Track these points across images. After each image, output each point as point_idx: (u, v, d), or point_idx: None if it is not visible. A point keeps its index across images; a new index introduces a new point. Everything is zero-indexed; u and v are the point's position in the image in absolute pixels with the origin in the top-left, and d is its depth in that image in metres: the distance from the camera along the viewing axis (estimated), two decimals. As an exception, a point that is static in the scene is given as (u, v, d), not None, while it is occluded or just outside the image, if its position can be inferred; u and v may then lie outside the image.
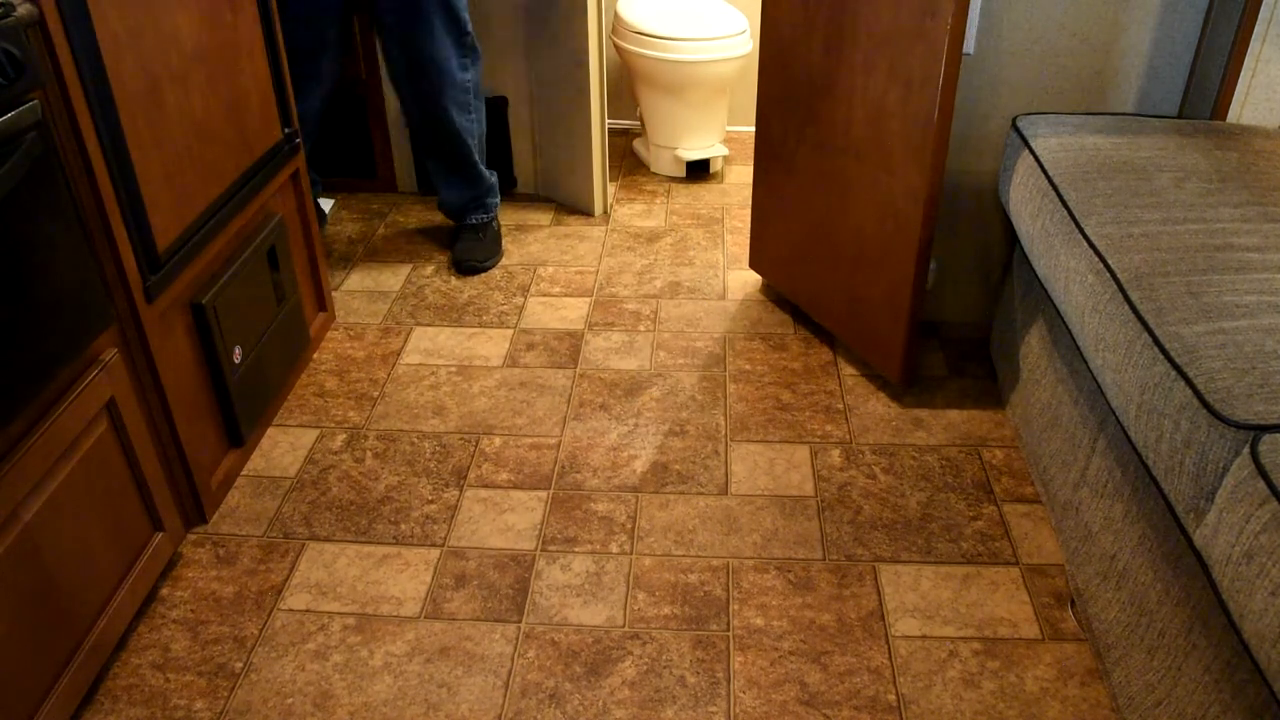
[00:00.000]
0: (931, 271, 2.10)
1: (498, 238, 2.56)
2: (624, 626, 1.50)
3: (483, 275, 2.46)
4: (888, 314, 1.91)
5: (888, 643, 1.47)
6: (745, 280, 2.42)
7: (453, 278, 2.43)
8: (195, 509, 1.66)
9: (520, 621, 1.51)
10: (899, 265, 1.84)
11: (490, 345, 2.17)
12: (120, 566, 1.43)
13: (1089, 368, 1.41)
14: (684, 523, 1.69)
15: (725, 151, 2.97)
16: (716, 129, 2.97)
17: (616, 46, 2.89)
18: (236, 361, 1.73)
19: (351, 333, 2.22)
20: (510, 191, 2.85)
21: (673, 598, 1.55)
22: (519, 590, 1.56)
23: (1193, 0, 1.81)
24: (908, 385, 2.00)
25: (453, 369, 2.09)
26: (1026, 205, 1.65)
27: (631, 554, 1.63)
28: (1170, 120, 1.77)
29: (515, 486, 1.77)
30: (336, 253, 2.56)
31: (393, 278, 2.44)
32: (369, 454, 1.85)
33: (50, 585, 1.27)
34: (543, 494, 1.75)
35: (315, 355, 2.14)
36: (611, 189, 2.89)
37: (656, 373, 2.07)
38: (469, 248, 2.49)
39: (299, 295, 2.01)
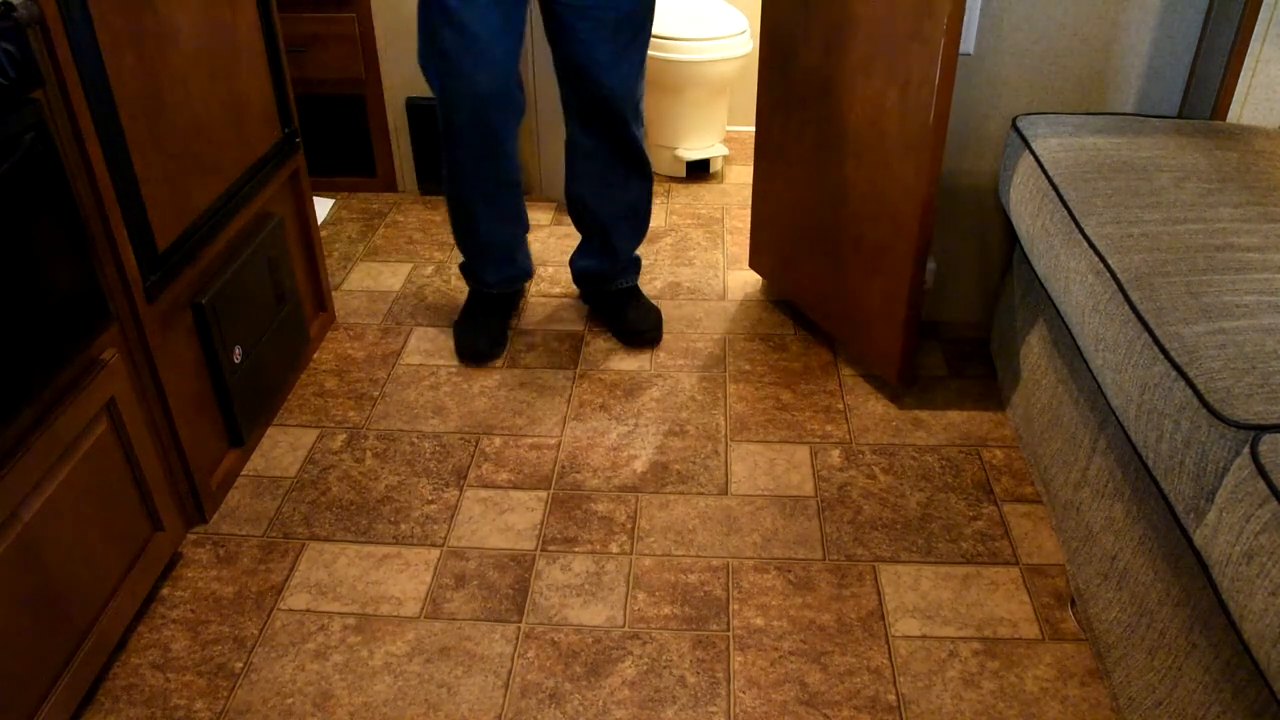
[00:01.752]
0: (931, 272, 2.11)
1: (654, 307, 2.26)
2: (624, 626, 1.50)
3: None
4: (885, 315, 1.91)
5: (888, 643, 1.47)
6: (745, 280, 2.42)
7: (453, 278, 2.43)
8: (195, 509, 1.66)
9: (520, 621, 1.51)
10: (896, 266, 1.84)
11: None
12: (120, 566, 1.43)
13: (1089, 368, 1.41)
14: (684, 523, 1.69)
15: (725, 151, 2.97)
16: (716, 129, 2.97)
17: (616, 46, 2.88)
18: (236, 361, 1.73)
19: (351, 333, 2.22)
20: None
21: (673, 598, 1.55)
22: (519, 590, 1.56)
23: (1193, 0, 1.81)
24: (906, 386, 2.00)
25: (453, 369, 2.09)
26: (1026, 205, 1.65)
27: (631, 554, 1.63)
28: (1170, 120, 1.77)
29: (515, 487, 1.77)
30: (337, 253, 2.56)
31: (393, 278, 2.44)
32: (369, 454, 1.85)
33: (50, 585, 1.26)
34: (543, 494, 1.75)
35: (315, 355, 2.14)
36: (611, 189, 2.89)
37: (656, 373, 2.07)
38: (638, 315, 2.20)
39: (299, 295, 2.01)
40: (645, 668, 1.43)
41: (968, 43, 1.85)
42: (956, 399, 1.99)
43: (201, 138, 1.59)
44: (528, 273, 2.23)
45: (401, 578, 1.58)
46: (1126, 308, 1.27)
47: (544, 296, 2.35)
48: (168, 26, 1.48)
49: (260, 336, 1.83)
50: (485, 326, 2.14)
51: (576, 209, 2.13)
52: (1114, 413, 1.31)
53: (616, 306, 2.19)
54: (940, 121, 1.65)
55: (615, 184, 2.05)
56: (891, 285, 1.87)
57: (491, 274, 2.13)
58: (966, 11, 1.82)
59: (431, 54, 1.82)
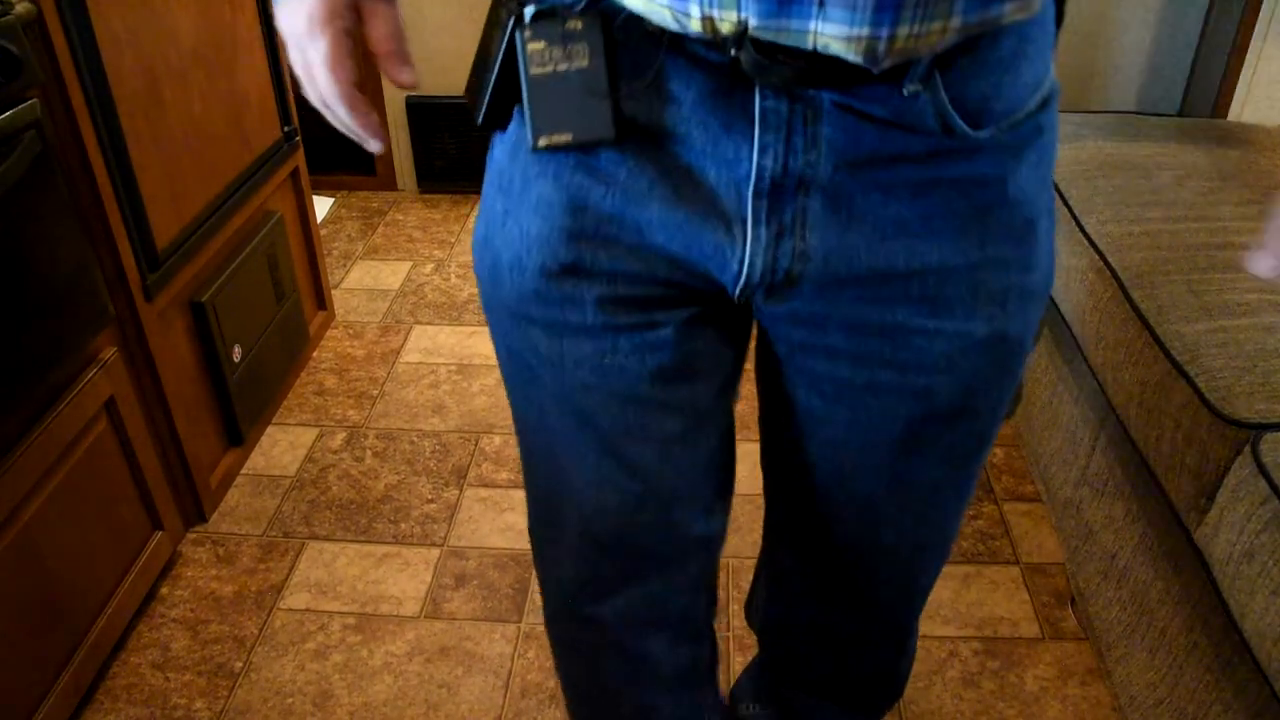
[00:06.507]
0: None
1: None
2: (624, 625, 1.49)
3: None
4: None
5: (888, 642, 1.47)
6: (745, 279, 2.41)
7: (453, 275, 2.43)
8: (195, 508, 1.66)
9: (520, 621, 1.51)
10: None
11: (490, 343, 2.16)
12: (120, 566, 1.43)
13: (1089, 366, 1.41)
14: (684, 522, 1.68)
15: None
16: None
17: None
18: (236, 360, 1.73)
19: (351, 331, 2.22)
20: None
21: (673, 597, 1.54)
22: (519, 590, 1.56)
23: (1193, -2, 1.81)
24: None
25: (453, 368, 2.09)
26: (1027, 204, 1.64)
27: (631, 553, 1.62)
28: (1171, 118, 1.77)
29: (515, 486, 1.77)
30: (336, 251, 2.56)
31: (392, 276, 2.44)
32: (369, 453, 1.85)
33: (50, 585, 1.26)
34: (543, 493, 1.75)
35: (315, 354, 2.14)
36: (611, 187, 2.89)
37: (656, 371, 2.07)
38: None
39: (298, 293, 2.01)
40: (645, 667, 1.43)
41: (968, 41, 1.85)
42: (957, 398, 1.98)
43: (201, 136, 1.59)
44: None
45: (401, 577, 1.58)
46: (1127, 306, 1.27)
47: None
48: (167, 25, 1.48)
49: (260, 335, 1.82)
50: None
51: (766, 634, 1.15)
52: (1114, 411, 1.31)
53: None
54: None
55: (845, 646, 1.05)
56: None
57: None
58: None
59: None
